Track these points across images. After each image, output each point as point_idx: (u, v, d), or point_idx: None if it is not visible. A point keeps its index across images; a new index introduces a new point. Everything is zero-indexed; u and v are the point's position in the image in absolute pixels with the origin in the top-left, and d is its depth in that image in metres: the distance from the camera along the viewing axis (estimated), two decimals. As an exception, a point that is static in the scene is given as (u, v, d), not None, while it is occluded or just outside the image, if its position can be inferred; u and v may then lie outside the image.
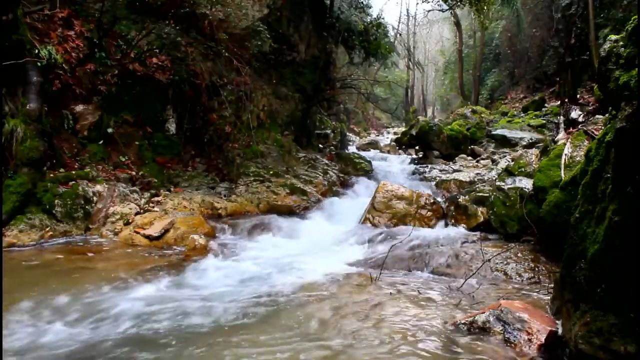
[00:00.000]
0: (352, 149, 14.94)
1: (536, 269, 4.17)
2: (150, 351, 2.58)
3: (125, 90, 6.95)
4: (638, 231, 1.96)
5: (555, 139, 7.47)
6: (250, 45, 8.56)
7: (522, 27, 20.36)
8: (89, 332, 2.84)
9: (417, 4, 47.71)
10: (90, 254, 4.67)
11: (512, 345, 2.54)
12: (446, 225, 6.08)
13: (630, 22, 2.25)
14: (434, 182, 8.29)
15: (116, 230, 5.46)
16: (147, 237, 5.24)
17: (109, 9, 6.54)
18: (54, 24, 6.23)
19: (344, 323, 2.97)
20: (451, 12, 22.93)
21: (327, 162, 9.89)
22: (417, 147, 13.43)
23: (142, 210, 5.92)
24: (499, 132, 12.40)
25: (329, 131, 14.93)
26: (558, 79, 15.87)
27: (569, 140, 5.25)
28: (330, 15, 12.38)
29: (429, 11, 25.76)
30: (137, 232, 5.35)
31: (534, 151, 7.90)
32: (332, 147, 13.38)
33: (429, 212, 6.25)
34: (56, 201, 5.25)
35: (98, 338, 2.74)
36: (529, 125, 12.99)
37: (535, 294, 3.64)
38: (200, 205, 6.45)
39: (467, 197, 6.13)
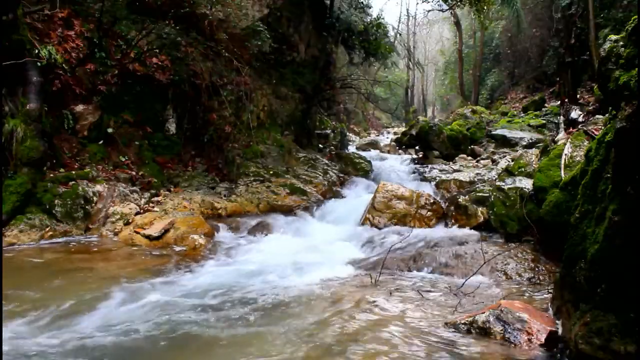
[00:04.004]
0: (352, 149, 14.91)
1: (536, 269, 4.17)
2: (149, 350, 2.58)
3: (125, 90, 6.94)
4: (638, 231, 1.96)
5: (555, 139, 7.44)
6: (250, 45, 8.56)
7: (522, 27, 20.33)
8: (88, 331, 2.83)
9: (417, 4, 47.80)
10: (90, 254, 4.67)
11: (512, 345, 2.54)
12: (446, 225, 6.08)
13: (630, 22, 2.25)
14: (434, 182, 8.29)
15: (116, 230, 5.46)
16: (147, 237, 5.24)
17: (109, 9, 6.54)
18: (54, 24, 6.23)
19: (343, 323, 2.97)
20: (451, 12, 22.91)
21: (327, 162, 9.88)
22: (417, 147, 13.43)
23: (142, 210, 5.92)
24: (499, 132, 12.39)
25: (329, 131, 14.90)
26: (558, 79, 15.84)
27: (569, 140, 5.24)
28: (330, 15, 12.38)
29: (429, 11, 25.77)
30: (137, 232, 5.35)
31: (534, 151, 7.89)
32: (332, 147, 13.36)
33: (429, 212, 6.25)
34: (56, 201, 5.25)
35: (96, 337, 2.74)
36: (529, 125, 12.97)
37: (535, 294, 3.64)
38: (200, 205, 6.45)
39: (467, 197, 6.13)
